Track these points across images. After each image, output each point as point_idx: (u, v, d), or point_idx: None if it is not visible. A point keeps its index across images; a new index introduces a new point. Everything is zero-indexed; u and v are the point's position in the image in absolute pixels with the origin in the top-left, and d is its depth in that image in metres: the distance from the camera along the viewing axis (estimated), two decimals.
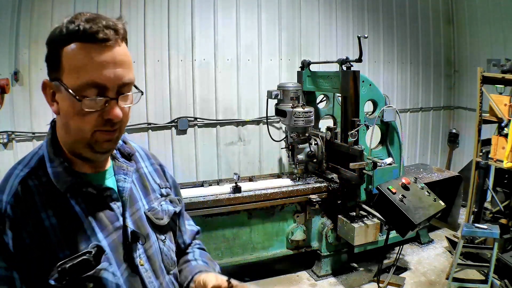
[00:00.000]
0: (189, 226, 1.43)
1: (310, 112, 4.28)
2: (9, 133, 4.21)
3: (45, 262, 0.92)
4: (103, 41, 0.92)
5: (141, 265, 1.07)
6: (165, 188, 1.27)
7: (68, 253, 0.94)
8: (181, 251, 1.36)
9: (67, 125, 0.99)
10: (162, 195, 1.24)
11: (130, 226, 1.07)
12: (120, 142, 1.17)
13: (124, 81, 0.97)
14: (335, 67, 4.25)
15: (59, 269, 0.92)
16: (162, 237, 1.18)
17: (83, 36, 0.92)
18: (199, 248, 1.41)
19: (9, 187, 0.97)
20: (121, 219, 1.06)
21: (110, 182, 1.10)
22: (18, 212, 0.94)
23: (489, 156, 4.17)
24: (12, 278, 0.91)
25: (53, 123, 1.08)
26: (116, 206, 1.07)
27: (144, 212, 1.15)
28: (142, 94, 1.05)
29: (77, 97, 0.92)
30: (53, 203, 0.97)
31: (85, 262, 0.94)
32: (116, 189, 1.09)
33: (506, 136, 3.94)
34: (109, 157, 1.14)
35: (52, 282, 0.91)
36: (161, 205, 1.21)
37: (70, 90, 0.93)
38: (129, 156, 1.19)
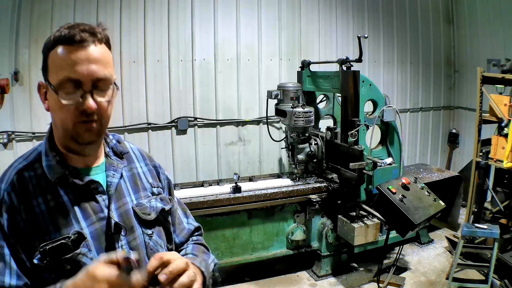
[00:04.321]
0: (187, 224, 1.46)
1: (310, 112, 4.28)
2: (9, 133, 4.21)
3: (33, 244, 1.03)
4: (79, 42, 1.05)
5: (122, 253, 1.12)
6: (157, 187, 1.34)
7: (53, 237, 1.05)
8: (177, 248, 1.40)
9: (54, 119, 1.12)
10: (153, 193, 1.31)
11: (115, 218, 1.14)
12: (114, 141, 1.28)
13: (98, 76, 1.06)
14: (335, 67, 4.25)
15: (41, 250, 1.02)
16: (149, 231, 1.23)
17: (63, 39, 1.05)
18: (194, 243, 1.43)
19: (7, 177, 1.10)
20: (106, 210, 1.14)
21: (100, 177, 1.18)
22: (13, 199, 1.06)
23: (489, 156, 4.17)
24: (4, 255, 1.02)
25: (51, 123, 1.18)
26: (102, 198, 1.15)
27: (132, 207, 1.21)
28: (117, 89, 1.14)
29: (57, 90, 1.04)
30: (44, 192, 1.08)
31: (64, 246, 1.04)
32: (104, 183, 1.18)
33: (506, 136, 3.94)
34: (103, 155, 1.23)
35: (36, 261, 1.02)
36: (149, 202, 1.27)
37: (52, 86, 1.05)
38: (121, 155, 1.28)
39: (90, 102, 1.05)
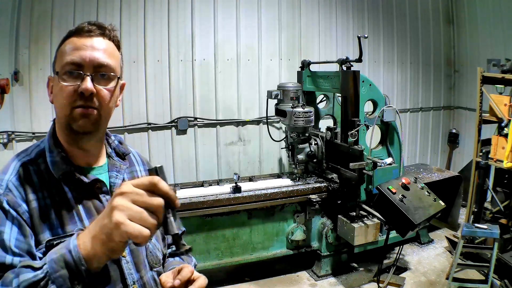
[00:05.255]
0: None
1: (310, 112, 4.28)
2: (9, 133, 4.21)
3: (36, 236, 1.01)
4: (86, 32, 1.09)
5: (123, 256, 1.12)
6: None
7: (56, 232, 1.03)
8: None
9: (55, 108, 1.11)
10: None
11: None
12: (116, 142, 1.28)
13: (100, 61, 1.07)
14: (335, 67, 4.25)
15: (47, 244, 1.00)
16: None
17: (73, 32, 1.10)
18: None
19: (11, 168, 1.07)
20: None
21: (103, 177, 1.18)
22: (19, 188, 1.03)
23: (489, 156, 4.17)
24: (4, 240, 0.96)
25: (54, 120, 1.18)
26: (105, 198, 1.14)
27: None
28: (119, 78, 1.14)
29: (59, 73, 1.06)
30: (48, 187, 1.06)
31: None
32: (108, 184, 1.17)
33: (506, 136, 3.94)
34: (105, 155, 1.23)
35: (39, 255, 0.98)
36: None
37: (56, 72, 1.08)
38: (123, 156, 1.27)
39: (88, 83, 1.04)
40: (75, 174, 1.09)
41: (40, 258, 0.98)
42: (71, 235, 0.99)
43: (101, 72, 1.08)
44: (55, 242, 0.99)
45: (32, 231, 1.00)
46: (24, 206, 1.01)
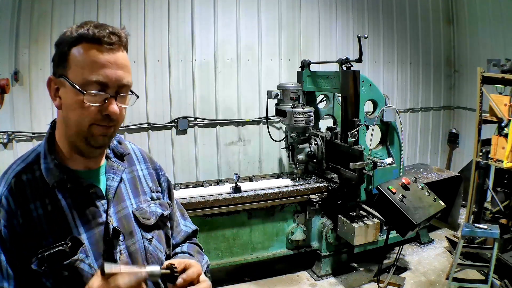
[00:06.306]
0: (184, 226, 1.46)
1: (310, 112, 4.28)
2: (9, 133, 4.21)
3: (30, 249, 1.01)
4: (108, 45, 1.04)
5: (121, 260, 1.12)
6: (156, 192, 1.32)
7: (50, 242, 1.03)
8: (172, 249, 1.40)
9: (68, 118, 1.07)
10: (152, 198, 1.29)
11: (114, 223, 1.12)
12: (115, 142, 1.26)
13: (123, 82, 1.07)
14: (335, 67, 4.25)
15: (39, 256, 1.01)
16: (149, 235, 1.21)
17: (91, 38, 1.03)
18: (190, 243, 1.44)
19: (5, 180, 1.08)
20: (104, 215, 1.12)
21: (100, 180, 1.17)
22: (10, 203, 1.03)
23: (489, 156, 4.17)
24: (0, 261, 1.00)
25: (52, 123, 1.16)
26: (101, 203, 1.13)
27: (132, 211, 1.19)
28: (137, 98, 1.14)
29: (82, 90, 1.02)
30: (41, 196, 1.06)
31: (62, 252, 1.02)
32: (104, 187, 1.16)
33: (506, 136, 3.94)
34: (104, 156, 1.21)
35: (34, 267, 1.00)
36: (149, 207, 1.25)
37: (75, 85, 1.02)
38: (121, 156, 1.25)
39: (115, 107, 1.05)
40: (68, 182, 1.08)
41: (34, 271, 1.00)
42: (62, 244, 1.02)
43: (122, 91, 1.08)
44: (45, 254, 1.01)
45: (25, 244, 1.01)
46: (15, 221, 1.02)
